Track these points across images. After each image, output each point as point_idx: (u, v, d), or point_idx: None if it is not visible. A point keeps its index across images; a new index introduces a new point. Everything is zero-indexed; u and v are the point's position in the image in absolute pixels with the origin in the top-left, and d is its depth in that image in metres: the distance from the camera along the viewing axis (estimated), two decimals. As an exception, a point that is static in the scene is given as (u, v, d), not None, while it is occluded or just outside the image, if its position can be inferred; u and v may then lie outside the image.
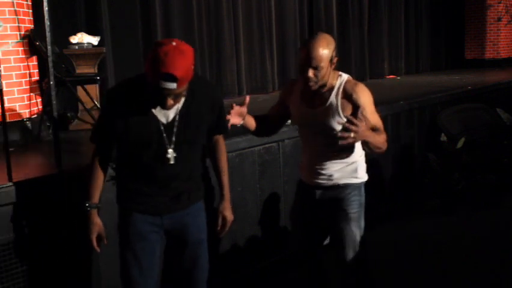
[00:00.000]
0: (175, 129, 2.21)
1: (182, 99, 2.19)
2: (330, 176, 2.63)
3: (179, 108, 2.21)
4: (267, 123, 2.77)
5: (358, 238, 2.66)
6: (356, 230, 2.65)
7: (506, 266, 3.75)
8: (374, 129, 2.48)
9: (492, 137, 5.75)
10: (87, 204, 2.30)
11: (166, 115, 2.20)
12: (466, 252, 4.04)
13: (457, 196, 5.08)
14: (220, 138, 2.49)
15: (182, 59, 2.00)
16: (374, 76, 9.01)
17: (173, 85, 2.00)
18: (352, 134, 2.30)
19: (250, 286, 3.69)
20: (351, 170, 2.64)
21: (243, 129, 2.66)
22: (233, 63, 6.83)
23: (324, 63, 2.42)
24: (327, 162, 2.61)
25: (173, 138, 2.21)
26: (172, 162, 2.22)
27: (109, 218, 2.44)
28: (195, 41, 6.32)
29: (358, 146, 2.63)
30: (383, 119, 2.57)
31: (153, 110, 2.18)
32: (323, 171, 2.63)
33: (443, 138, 5.45)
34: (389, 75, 9.38)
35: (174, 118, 2.21)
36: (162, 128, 2.20)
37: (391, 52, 9.50)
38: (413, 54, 10.06)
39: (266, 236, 3.88)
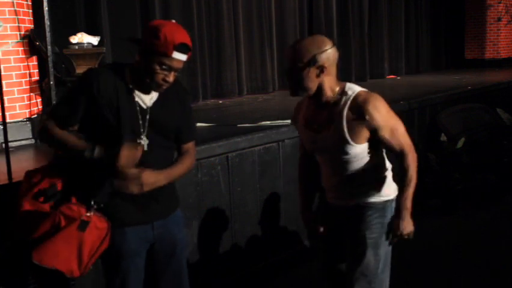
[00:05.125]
0: (148, 117, 2.09)
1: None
2: (350, 195, 2.34)
3: (155, 99, 2.11)
4: (313, 167, 2.46)
5: (372, 267, 2.34)
6: (371, 257, 2.33)
7: (506, 266, 3.75)
8: (396, 150, 2.28)
9: (492, 137, 5.75)
10: (86, 153, 1.99)
11: (144, 101, 2.10)
12: (466, 252, 4.04)
13: (457, 196, 5.08)
14: (190, 149, 2.26)
15: (186, 32, 2.01)
16: (374, 76, 9.01)
17: (185, 57, 1.98)
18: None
19: (250, 286, 3.69)
20: (373, 187, 2.34)
21: (242, 129, 2.61)
22: (233, 63, 6.83)
23: (298, 64, 2.09)
24: (345, 182, 2.31)
25: (147, 125, 2.08)
26: (146, 148, 2.05)
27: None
28: (195, 41, 6.31)
29: (383, 160, 2.39)
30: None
31: (134, 94, 2.07)
32: (341, 192, 2.36)
33: (443, 138, 5.45)
34: (389, 75, 9.38)
35: (151, 106, 2.10)
36: (140, 112, 2.08)
37: (391, 52, 9.50)
38: (413, 54, 10.07)
39: (266, 236, 3.88)
